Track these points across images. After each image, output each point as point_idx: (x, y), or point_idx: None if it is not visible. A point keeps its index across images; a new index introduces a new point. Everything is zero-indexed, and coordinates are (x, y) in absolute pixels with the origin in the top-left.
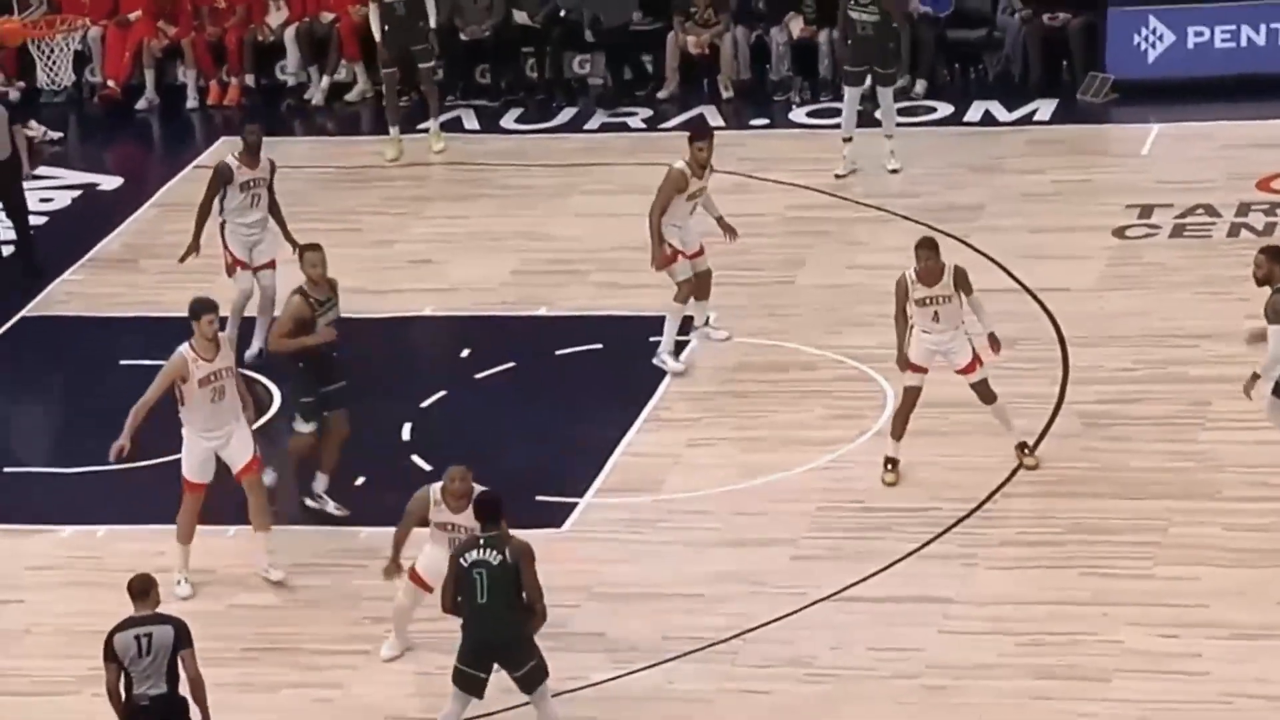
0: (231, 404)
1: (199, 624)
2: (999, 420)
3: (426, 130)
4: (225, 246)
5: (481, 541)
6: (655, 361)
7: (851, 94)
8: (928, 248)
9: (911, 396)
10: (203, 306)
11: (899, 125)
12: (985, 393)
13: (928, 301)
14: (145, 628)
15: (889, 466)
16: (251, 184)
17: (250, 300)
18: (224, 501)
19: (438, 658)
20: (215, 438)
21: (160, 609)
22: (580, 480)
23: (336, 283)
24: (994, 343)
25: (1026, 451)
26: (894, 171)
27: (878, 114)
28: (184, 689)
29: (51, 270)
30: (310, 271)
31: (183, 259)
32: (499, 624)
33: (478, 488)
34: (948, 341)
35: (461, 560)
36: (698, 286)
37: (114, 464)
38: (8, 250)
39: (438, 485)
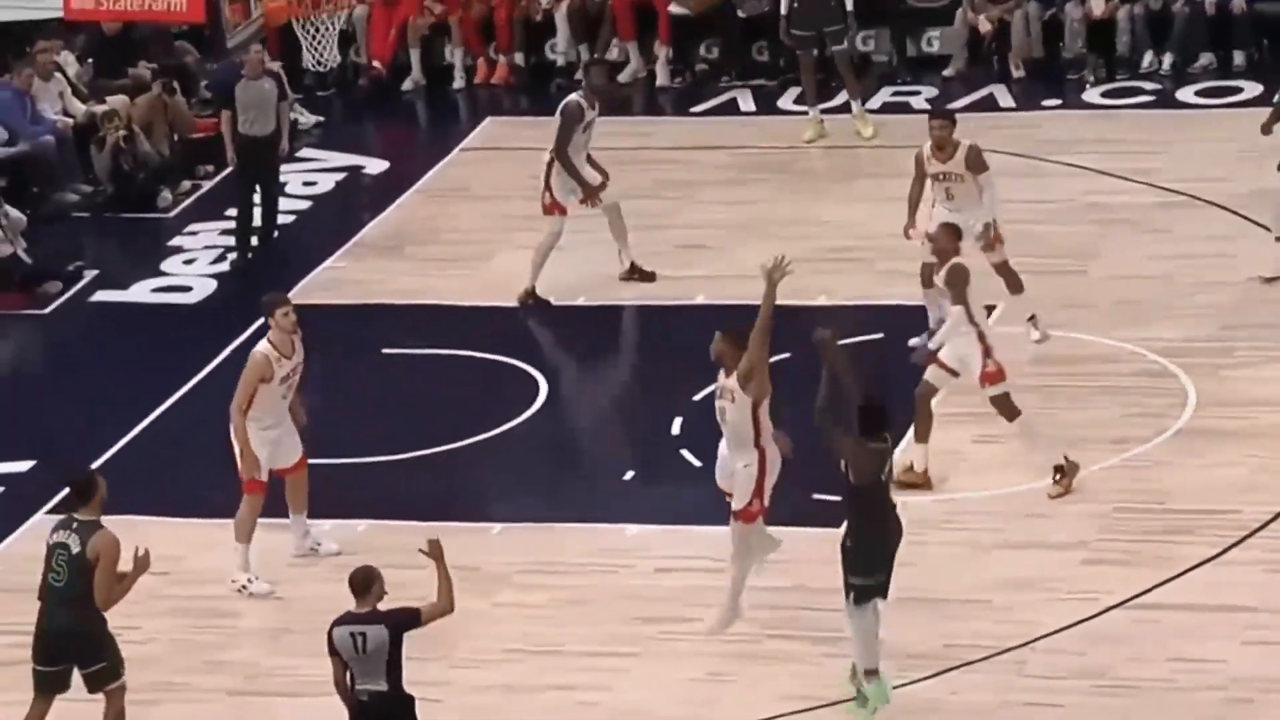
0: (291, 400)
1: (464, 623)
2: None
3: (850, 112)
4: (548, 186)
5: None
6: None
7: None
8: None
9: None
10: (276, 300)
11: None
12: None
13: (941, 178)
14: (360, 626)
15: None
16: (592, 125)
17: (558, 241)
18: (488, 496)
19: (706, 662)
20: (272, 431)
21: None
22: None
23: None
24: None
25: None
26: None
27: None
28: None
29: (314, 256)
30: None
31: (586, 201)
32: None
33: None
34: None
35: None
36: (1008, 279)
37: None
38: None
39: None
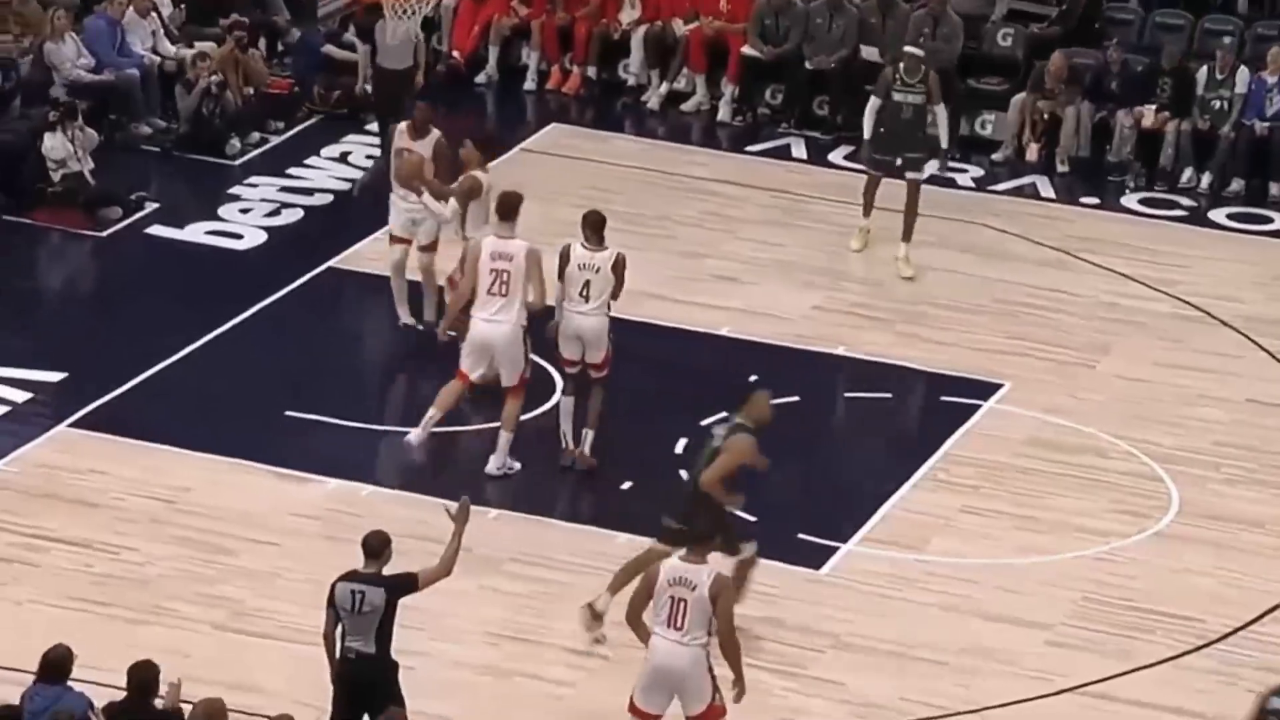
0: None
1: (450, 600)
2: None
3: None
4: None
5: None
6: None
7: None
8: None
9: None
10: None
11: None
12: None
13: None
14: (362, 585)
15: None
16: (402, 152)
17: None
18: (490, 481)
19: None
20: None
21: None
22: (846, 526)
23: None
24: None
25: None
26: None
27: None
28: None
29: (367, 227)
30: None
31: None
32: None
33: None
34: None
35: None
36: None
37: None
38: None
39: None
